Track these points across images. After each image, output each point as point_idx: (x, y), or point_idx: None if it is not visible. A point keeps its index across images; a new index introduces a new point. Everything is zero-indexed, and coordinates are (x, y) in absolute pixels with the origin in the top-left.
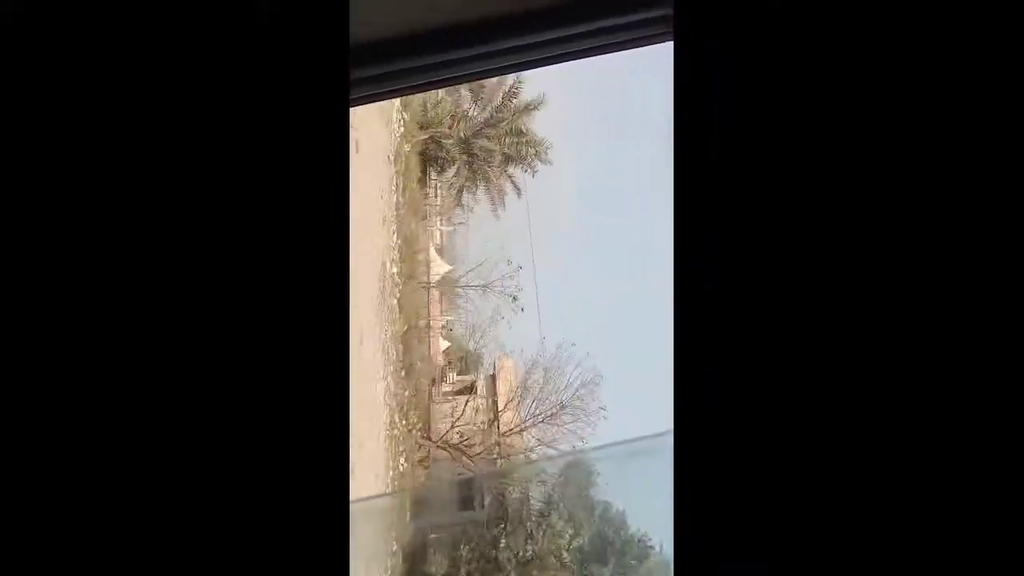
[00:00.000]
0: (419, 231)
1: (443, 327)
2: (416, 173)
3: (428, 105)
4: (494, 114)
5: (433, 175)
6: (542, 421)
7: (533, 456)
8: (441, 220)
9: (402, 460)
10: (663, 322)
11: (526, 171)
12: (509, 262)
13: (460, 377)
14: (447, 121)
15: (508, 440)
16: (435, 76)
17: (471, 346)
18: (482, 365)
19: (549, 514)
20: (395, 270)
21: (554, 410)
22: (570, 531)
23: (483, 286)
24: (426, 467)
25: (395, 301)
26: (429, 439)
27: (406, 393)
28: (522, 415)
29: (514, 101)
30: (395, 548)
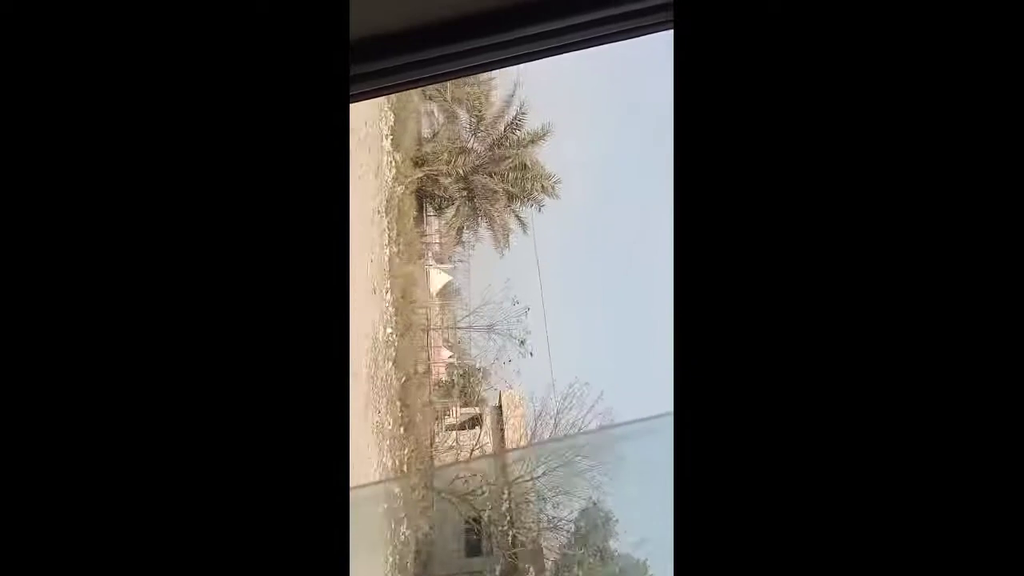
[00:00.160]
0: (416, 273)
1: (446, 367)
2: (411, 212)
3: (423, 139)
4: (496, 148)
5: (431, 211)
6: (554, 469)
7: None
8: (440, 260)
9: (403, 528)
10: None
11: (532, 205)
12: (515, 302)
13: (465, 410)
14: (444, 156)
15: (518, 486)
16: (434, 71)
17: (476, 390)
18: (487, 400)
19: (570, 567)
20: (389, 330)
21: (567, 456)
22: None
23: (488, 327)
24: (429, 515)
25: (390, 364)
26: (432, 488)
27: (405, 452)
28: (533, 465)
29: (517, 133)
30: None
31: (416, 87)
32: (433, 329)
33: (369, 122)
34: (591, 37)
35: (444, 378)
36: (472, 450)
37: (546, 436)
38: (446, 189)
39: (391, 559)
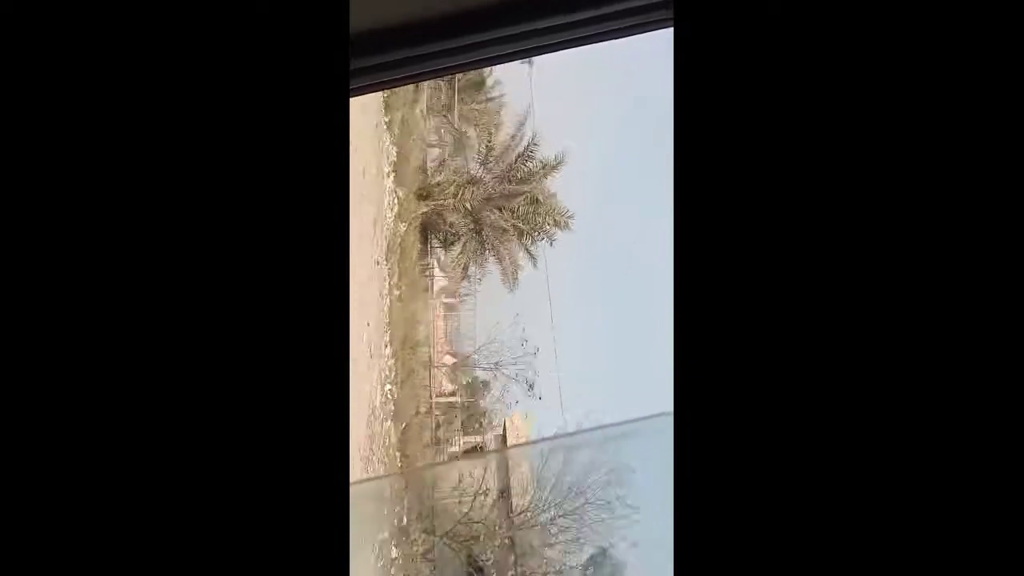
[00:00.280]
0: (419, 312)
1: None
2: (415, 247)
3: (430, 170)
4: (506, 181)
5: (436, 242)
6: (562, 516)
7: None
8: (445, 294)
9: None
10: None
11: (543, 239)
12: (524, 342)
13: (467, 438)
14: (451, 189)
15: (523, 532)
16: (436, 65)
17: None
18: (491, 424)
19: None
20: (389, 386)
21: (577, 505)
22: None
23: (494, 366)
24: (431, 559)
25: (389, 421)
26: (433, 533)
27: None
28: (541, 515)
29: (529, 164)
30: None
31: (416, 81)
32: (436, 367)
33: (367, 169)
34: (591, 33)
35: (443, 416)
36: (476, 495)
37: (553, 478)
38: (452, 225)
39: None
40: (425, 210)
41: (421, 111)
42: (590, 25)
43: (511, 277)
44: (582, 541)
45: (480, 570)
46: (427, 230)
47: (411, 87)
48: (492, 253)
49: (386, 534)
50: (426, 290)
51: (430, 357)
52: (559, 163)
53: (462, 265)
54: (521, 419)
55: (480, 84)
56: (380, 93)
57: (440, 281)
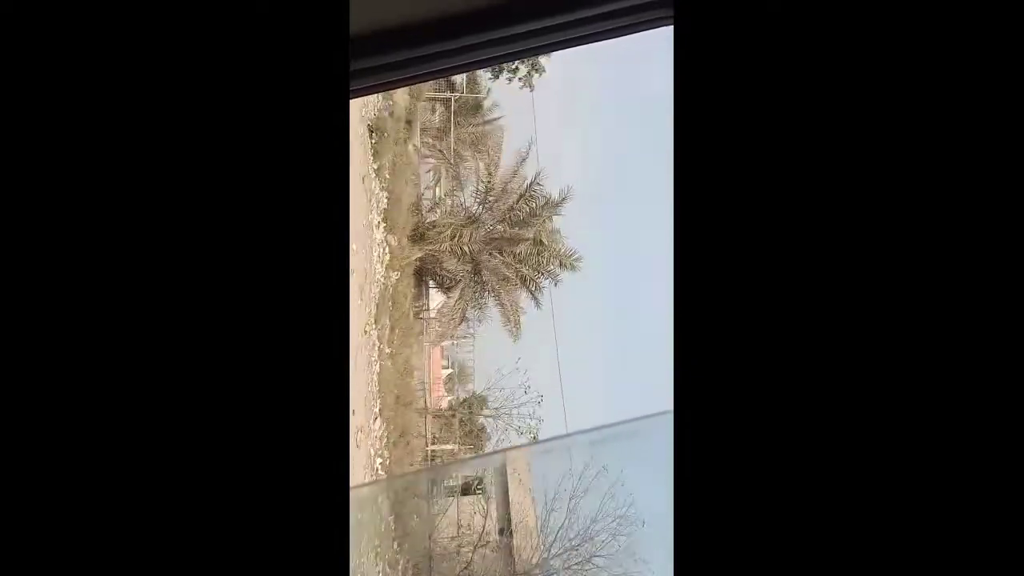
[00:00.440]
0: (412, 358)
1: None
2: (410, 290)
3: (424, 206)
4: (507, 222)
5: (431, 283)
6: (567, 568)
7: None
8: (440, 338)
9: None
10: None
11: (548, 280)
12: (527, 390)
13: (467, 473)
14: (447, 232)
15: None
16: (435, 66)
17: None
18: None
19: None
20: (379, 462)
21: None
22: None
23: (494, 413)
24: None
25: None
26: None
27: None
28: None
29: (531, 204)
30: None
31: (415, 83)
32: (431, 414)
33: (352, 223)
34: (590, 33)
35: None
36: (475, 547)
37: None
38: (448, 271)
39: None
40: (419, 255)
41: (415, 146)
42: (589, 24)
43: (514, 323)
44: None
45: None
46: (422, 273)
47: (403, 121)
48: (492, 296)
49: None
50: (421, 333)
51: (425, 403)
52: (563, 199)
53: (460, 312)
54: (525, 471)
55: (477, 108)
56: (367, 138)
57: (436, 323)
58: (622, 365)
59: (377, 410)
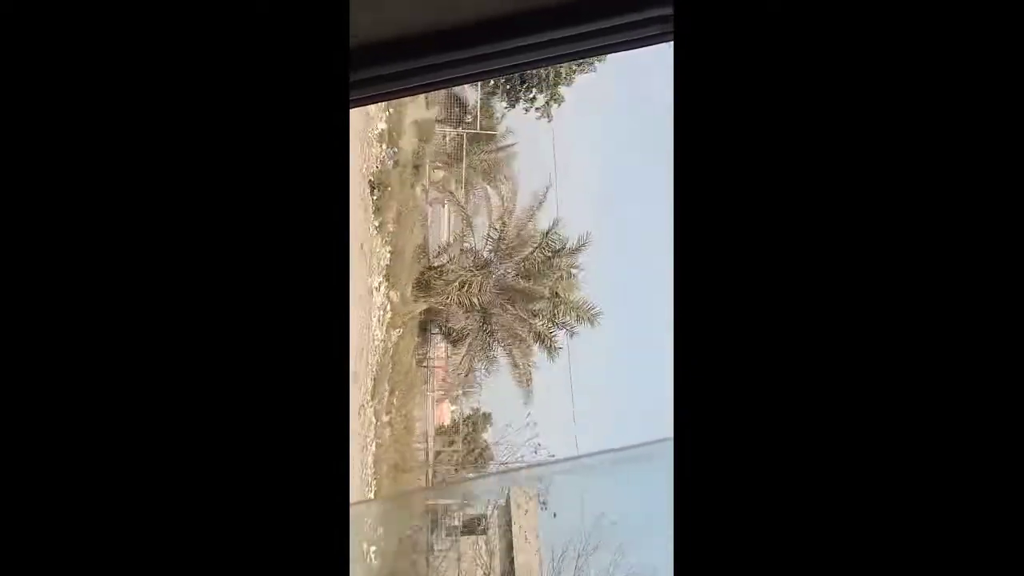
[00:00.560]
0: (414, 411)
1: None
2: (412, 342)
3: (432, 254)
4: (522, 275)
5: (435, 330)
6: None
7: None
8: (446, 390)
9: None
10: None
11: (564, 331)
12: (537, 449)
13: (469, 510)
14: (455, 285)
15: None
16: (435, 77)
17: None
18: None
19: None
20: (373, 550)
21: None
22: None
23: (502, 470)
24: None
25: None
26: None
27: None
28: None
29: (545, 252)
30: None
31: (416, 93)
32: (431, 466)
33: (354, 316)
34: (590, 47)
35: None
36: None
37: None
38: (455, 325)
39: None
40: (424, 308)
41: (423, 186)
42: (587, 39)
43: (525, 380)
44: None
45: None
46: (427, 325)
47: (410, 166)
48: (503, 349)
49: None
50: (425, 382)
51: (428, 457)
52: (582, 246)
53: (466, 366)
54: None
55: (491, 138)
56: (368, 196)
57: (440, 372)
58: (641, 422)
59: (371, 495)
